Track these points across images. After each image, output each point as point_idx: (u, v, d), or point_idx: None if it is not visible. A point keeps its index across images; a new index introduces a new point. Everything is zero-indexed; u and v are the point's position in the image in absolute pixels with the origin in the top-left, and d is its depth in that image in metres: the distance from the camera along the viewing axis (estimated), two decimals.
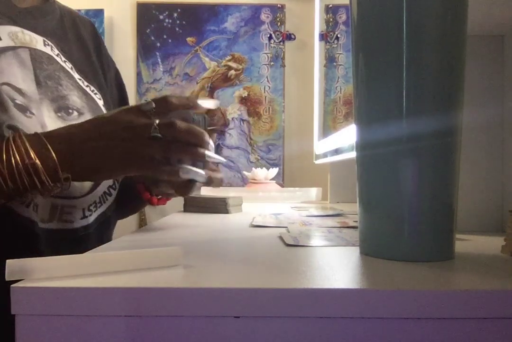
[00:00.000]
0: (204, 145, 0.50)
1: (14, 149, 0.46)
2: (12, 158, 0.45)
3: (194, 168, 0.51)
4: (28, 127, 0.55)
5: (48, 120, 0.59)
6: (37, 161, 0.46)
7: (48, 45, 0.64)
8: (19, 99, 0.57)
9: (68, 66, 0.66)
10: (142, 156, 0.48)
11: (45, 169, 0.46)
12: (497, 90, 0.52)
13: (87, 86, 0.69)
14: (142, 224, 2.03)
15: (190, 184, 0.52)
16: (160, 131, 0.48)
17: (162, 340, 0.27)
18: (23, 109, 0.57)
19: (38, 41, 0.62)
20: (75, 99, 0.64)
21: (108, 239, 0.66)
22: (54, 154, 0.47)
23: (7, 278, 0.28)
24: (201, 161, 0.51)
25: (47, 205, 0.57)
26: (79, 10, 2.03)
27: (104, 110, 0.70)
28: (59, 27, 0.69)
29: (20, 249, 0.53)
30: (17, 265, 0.28)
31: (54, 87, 0.62)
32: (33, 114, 0.57)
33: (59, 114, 0.61)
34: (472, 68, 0.48)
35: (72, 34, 0.72)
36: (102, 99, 0.71)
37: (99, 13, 2.03)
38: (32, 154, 0.46)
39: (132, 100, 2.00)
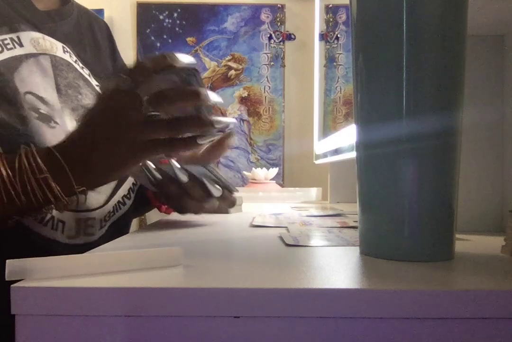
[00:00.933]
0: (204, 102, 0.46)
1: (26, 164, 0.45)
2: (24, 174, 0.44)
3: (210, 136, 0.47)
4: (51, 138, 0.54)
5: (71, 128, 0.59)
6: (49, 175, 0.45)
7: (67, 51, 0.63)
8: (43, 109, 0.57)
9: (85, 72, 0.66)
10: (148, 142, 0.46)
11: (58, 183, 0.45)
12: (497, 90, 0.52)
13: None
14: (142, 224, 2.03)
15: (204, 203, 0.52)
16: (152, 107, 0.45)
17: (162, 340, 0.27)
18: (47, 119, 0.56)
19: (58, 48, 0.62)
20: None
21: None
22: (67, 168, 0.46)
23: (7, 278, 0.28)
24: (210, 129, 0.47)
25: (72, 221, 0.56)
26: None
27: None
28: (76, 30, 0.68)
29: None
30: (17, 265, 0.28)
31: (74, 96, 0.62)
32: (57, 123, 0.57)
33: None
34: (472, 68, 0.48)
35: (88, 38, 0.71)
36: None
37: (99, 13, 2.03)
38: (44, 169, 0.45)
39: None
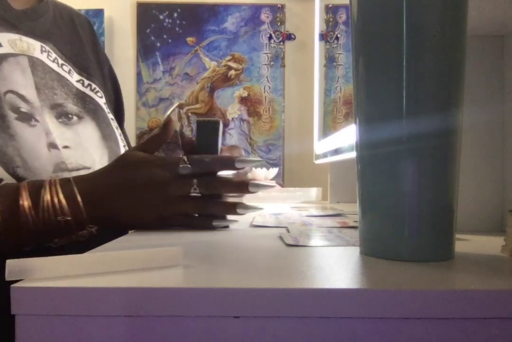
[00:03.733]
0: (242, 195, 0.53)
1: (50, 203, 0.47)
2: (47, 213, 0.46)
3: (226, 222, 0.53)
4: (32, 138, 0.55)
5: (52, 126, 0.60)
6: (71, 218, 0.47)
7: (45, 51, 0.64)
8: (24, 107, 0.58)
9: (65, 69, 0.67)
10: (176, 212, 0.50)
11: (75, 223, 0.48)
12: (497, 90, 0.52)
13: (87, 86, 0.69)
14: None
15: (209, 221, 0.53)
16: (200, 188, 0.49)
17: (162, 340, 0.27)
18: (28, 117, 0.57)
19: (35, 48, 0.63)
20: (71, 106, 0.65)
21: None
22: (84, 211, 0.48)
23: (7, 278, 0.28)
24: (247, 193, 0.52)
25: None
26: (79, 10, 2.03)
27: (105, 109, 0.71)
28: (54, 26, 0.70)
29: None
30: (17, 265, 0.28)
31: (51, 95, 0.63)
32: (37, 121, 0.58)
33: (60, 120, 0.62)
34: (472, 68, 0.48)
35: (68, 32, 0.73)
36: (103, 97, 0.72)
37: (99, 13, 2.03)
38: (67, 212, 0.47)
39: (132, 100, 2.00)
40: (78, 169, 0.61)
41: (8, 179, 0.52)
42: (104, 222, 0.50)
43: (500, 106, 0.52)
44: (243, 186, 0.51)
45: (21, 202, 0.46)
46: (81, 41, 0.75)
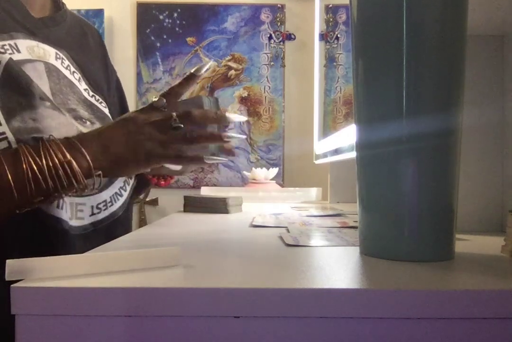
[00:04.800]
0: (222, 124, 0.56)
1: (51, 150, 0.50)
2: (49, 159, 0.50)
3: (216, 158, 0.56)
4: (58, 127, 0.58)
5: (75, 123, 0.62)
6: (72, 160, 0.50)
7: (59, 58, 0.66)
8: (50, 101, 0.60)
9: (76, 77, 0.69)
10: (167, 148, 0.53)
11: (79, 167, 0.51)
12: (497, 90, 0.52)
13: (92, 96, 0.71)
14: (142, 224, 2.03)
15: (198, 157, 0.55)
16: (179, 121, 0.53)
17: (162, 340, 0.27)
18: (56, 108, 0.60)
19: (51, 55, 0.65)
20: (83, 112, 0.67)
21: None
22: (86, 154, 0.51)
23: (7, 278, 0.28)
24: (223, 142, 0.56)
25: (68, 203, 0.59)
26: (79, 10, 2.03)
27: (111, 118, 0.73)
28: (69, 35, 0.72)
29: (48, 246, 0.54)
30: (17, 265, 0.28)
31: (65, 100, 0.65)
32: (66, 115, 0.60)
33: (78, 122, 0.64)
34: (472, 68, 0.48)
35: (80, 42, 0.76)
36: (107, 108, 0.73)
37: (99, 13, 2.03)
38: (68, 155, 0.50)
39: (132, 100, 2.00)
40: None
41: None
42: (100, 160, 0.53)
43: (500, 106, 0.52)
44: (222, 117, 0.55)
45: (23, 159, 0.49)
46: (91, 51, 0.77)
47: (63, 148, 0.50)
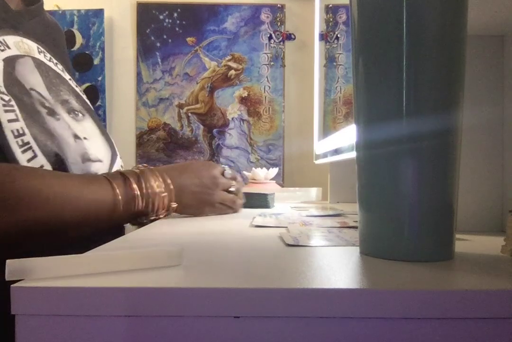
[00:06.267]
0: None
1: (151, 181, 0.59)
2: (149, 189, 0.58)
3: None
4: (61, 131, 0.59)
5: (69, 121, 0.62)
6: (166, 194, 0.60)
7: (41, 51, 0.67)
8: (47, 103, 0.60)
9: (59, 68, 0.69)
10: (219, 202, 0.70)
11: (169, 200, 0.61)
12: (497, 90, 0.52)
13: (76, 86, 0.71)
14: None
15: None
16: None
17: (162, 340, 0.27)
18: (53, 113, 0.60)
19: (34, 49, 0.65)
20: (74, 103, 0.67)
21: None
22: (173, 189, 0.61)
23: (7, 278, 0.28)
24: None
25: None
26: (79, 10, 2.03)
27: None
28: (45, 28, 0.72)
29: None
30: (17, 264, 0.28)
31: (58, 92, 0.65)
32: (59, 115, 0.60)
33: (71, 116, 0.64)
34: (472, 68, 0.48)
35: (53, 34, 0.75)
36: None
37: (99, 13, 2.03)
38: (164, 189, 0.60)
39: (132, 100, 2.00)
40: (96, 160, 0.64)
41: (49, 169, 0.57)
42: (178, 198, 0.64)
43: (500, 106, 0.52)
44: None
45: (134, 191, 0.57)
46: (62, 42, 0.78)
47: (161, 181, 0.60)
